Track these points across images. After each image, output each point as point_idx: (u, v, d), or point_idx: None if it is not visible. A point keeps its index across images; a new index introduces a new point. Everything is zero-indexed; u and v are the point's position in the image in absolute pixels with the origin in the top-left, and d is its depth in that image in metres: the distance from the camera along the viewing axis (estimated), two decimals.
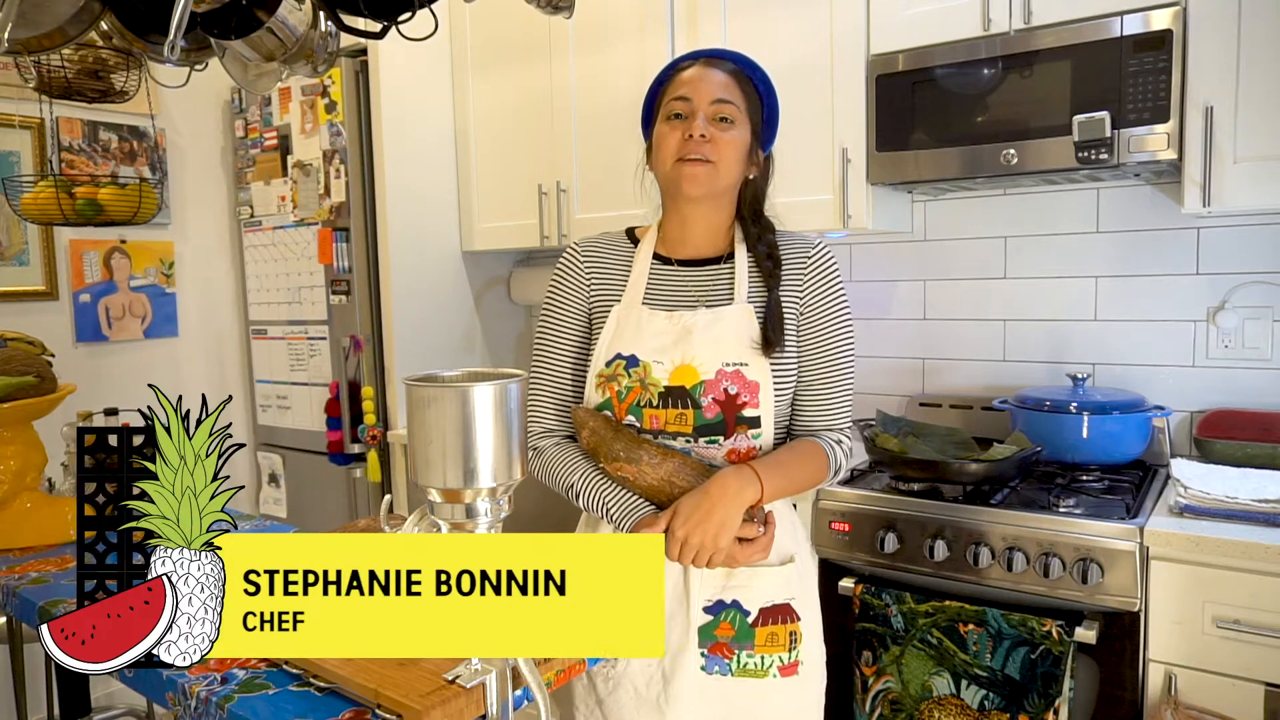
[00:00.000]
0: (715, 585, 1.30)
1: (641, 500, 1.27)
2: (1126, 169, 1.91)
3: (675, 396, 1.28)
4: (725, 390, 1.27)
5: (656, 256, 1.38)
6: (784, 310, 1.31)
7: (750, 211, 1.37)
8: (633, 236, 1.43)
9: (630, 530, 1.25)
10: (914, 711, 1.79)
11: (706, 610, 1.29)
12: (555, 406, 1.40)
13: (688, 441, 1.29)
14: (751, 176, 1.36)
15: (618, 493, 1.28)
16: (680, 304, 1.34)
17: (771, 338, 1.28)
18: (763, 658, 1.30)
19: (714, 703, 1.30)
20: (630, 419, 1.30)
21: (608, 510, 1.28)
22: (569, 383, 1.40)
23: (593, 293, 1.39)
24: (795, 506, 1.44)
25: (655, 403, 1.28)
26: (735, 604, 1.29)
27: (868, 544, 1.87)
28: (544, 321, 1.42)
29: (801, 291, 1.34)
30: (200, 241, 3.15)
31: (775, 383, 1.29)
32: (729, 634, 1.29)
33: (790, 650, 1.31)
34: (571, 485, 1.33)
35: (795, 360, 1.33)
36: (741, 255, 1.35)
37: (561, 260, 1.42)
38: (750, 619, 1.29)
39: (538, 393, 1.41)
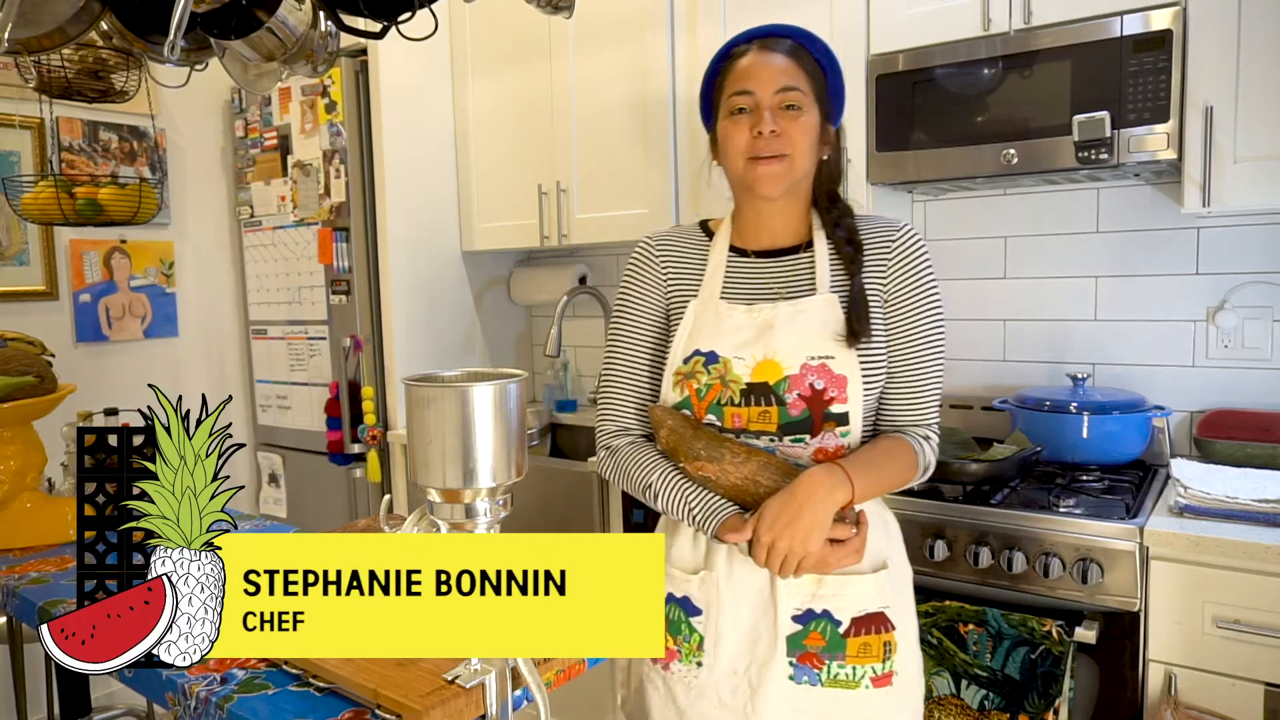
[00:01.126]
0: (804, 594, 1.21)
1: (725, 501, 1.20)
2: (1126, 169, 1.91)
3: (758, 393, 1.21)
4: (811, 385, 1.20)
5: (733, 249, 1.31)
6: (869, 298, 1.23)
7: (826, 195, 1.30)
8: (706, 229, 1.36)
9: (715, 534, 1.18)
10: None
11: (795, 619, 1.21)
12: (631, 404, 1.33)
13: (772, 440, 1.21)
14: (825, 158, 1.28)
15: (700, 493, 1.21)
16: (760, 297, 1.27)
17: (856, 328, 1.20)
18: (854, 669, 1.20)
19: (804, 712, 1.21)
20: (710, 418, 1.23)
21: (690, 511, 1.21)
22: (646, 380, 1.33)
23: (669, 286, 1.32)
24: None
25: (737, 400, 1.21)
26: (826, 614, 1.20)
27: None
28: (619, 316, 1.34)
29: (886, 278, 1.25)
30: (200, 241, 3.15)
31: (865, 376, 1.21)
32: (819, 644, 1.20)
33: (884, 661, 1.21)
34: (650, 485, 1.25)
35: (884, 351, 1.25)
36: (821, 242, 1.27)
37: (635, 254, 1.35)
38: (841, 629, 1.20)
39: (612, 389, 1.34)
